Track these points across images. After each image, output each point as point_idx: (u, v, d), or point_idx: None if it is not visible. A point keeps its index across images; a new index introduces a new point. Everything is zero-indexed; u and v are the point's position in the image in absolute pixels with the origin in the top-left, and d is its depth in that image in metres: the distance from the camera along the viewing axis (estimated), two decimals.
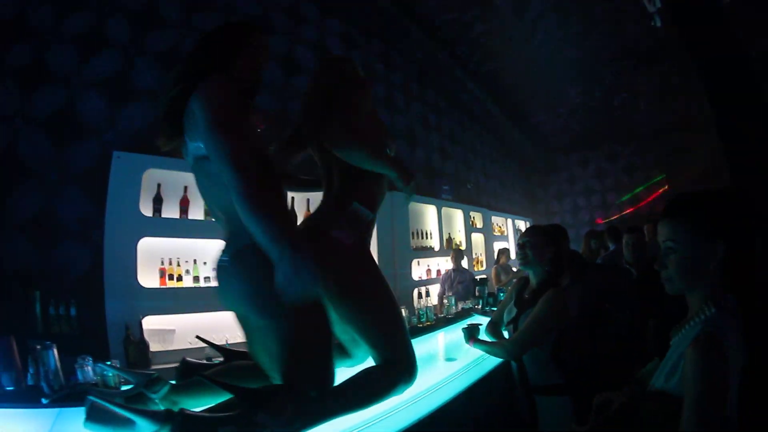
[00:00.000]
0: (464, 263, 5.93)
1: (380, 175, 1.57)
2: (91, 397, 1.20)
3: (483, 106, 7.91)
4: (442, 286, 5.61)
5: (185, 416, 1.17)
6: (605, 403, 1.14)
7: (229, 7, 4.25)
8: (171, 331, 3.07)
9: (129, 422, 1.17)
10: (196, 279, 3.26)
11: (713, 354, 0.93)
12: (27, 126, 2.84)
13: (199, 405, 1.35)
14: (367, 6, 5.25)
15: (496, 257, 7.06)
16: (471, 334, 2.43)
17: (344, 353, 1.68)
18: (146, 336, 2.82)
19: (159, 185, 3.24)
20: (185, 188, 3.29)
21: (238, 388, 1.25)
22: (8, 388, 1.48)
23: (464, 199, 7.62)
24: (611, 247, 4.68)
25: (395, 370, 1.42)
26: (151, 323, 2.97)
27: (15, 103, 2.82)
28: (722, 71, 2.60)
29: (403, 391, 1.45)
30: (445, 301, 4.18)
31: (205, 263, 3.28)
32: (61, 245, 2.87)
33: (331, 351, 1.35)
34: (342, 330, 1.63)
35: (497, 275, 6.54)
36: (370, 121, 1.64)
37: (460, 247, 6.46)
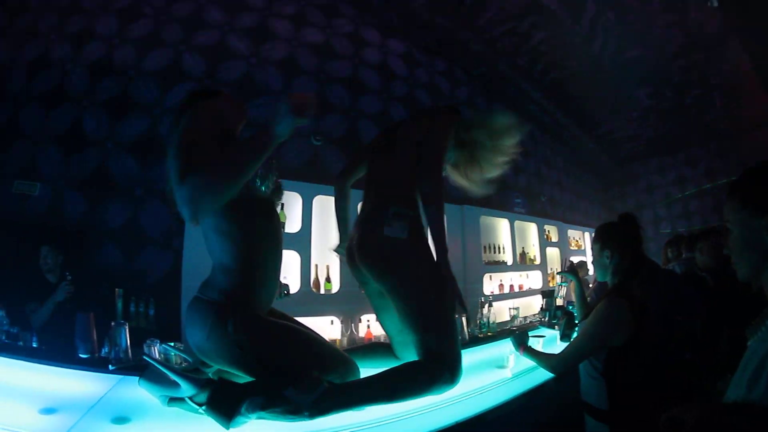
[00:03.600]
0: None
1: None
2: (146, 357, 1.35)
3: (552, 117, 7.66)
4: None
5: (222, 382, 1.26)
6: (675, 421, 0.97)
7: (294, 38, 4.58)
8: None
9: (176, 384, 1.29)
10: None
11: None
12: (116, 149, 3.32)
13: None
14: (426, 24, 5.39)
15: None
16: (520, 341, 2.25)
17: (392, 355, 1.71)
18: None
19: None
20: None
21: (271, 364, 1.33)
22: (83, 356, 1.71)
23: (538, 212, 7.37)
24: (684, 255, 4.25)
25: (438, 367, 1.39)
26: None
27: (105, 129, 3.32)
28: None
29: (444, 392, 1.41)
30: (512, 311, 4.05)
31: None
32: (144, 251, 3.26)
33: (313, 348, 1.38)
34: (397, 331, 1.66)
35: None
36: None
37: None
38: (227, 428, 1.15)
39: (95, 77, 3.42)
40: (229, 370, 1.34)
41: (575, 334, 2.23)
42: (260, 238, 1.39)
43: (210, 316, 1.28)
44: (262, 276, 1.40)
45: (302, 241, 3.45)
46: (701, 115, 7.60)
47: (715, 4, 2.86)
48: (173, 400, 1.28)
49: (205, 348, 1.30)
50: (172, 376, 1.28)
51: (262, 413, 1.19)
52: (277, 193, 1.67)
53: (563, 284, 2.24)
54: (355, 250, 1.58)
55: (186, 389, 1.27)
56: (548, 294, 4.56)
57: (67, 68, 3.39)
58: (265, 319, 1.37)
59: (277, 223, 1.49)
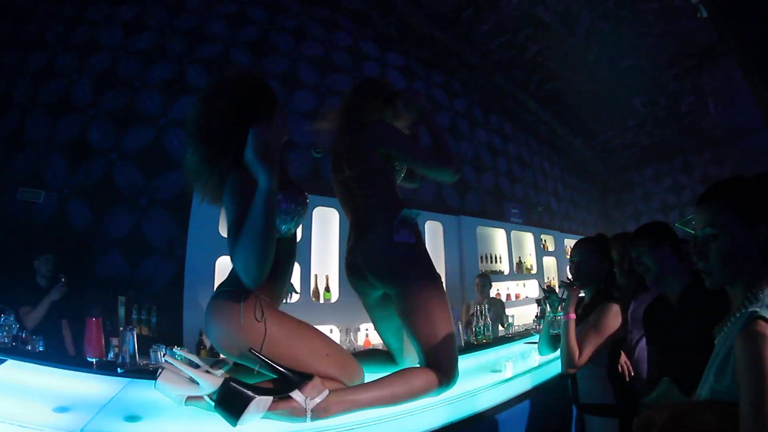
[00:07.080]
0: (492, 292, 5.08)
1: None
2: (168, 360, 1.39)
3: (549, 127, 7.75)
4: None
5: (232, 381, 1.30)
6: (647, 422, 1.01)
7: (294, 51, 4.66)
8: None
9: (194, 384, 1.32)
10: None
11: (765, 340, 0.84)
12: (121, 159, 3.39)
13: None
14: (423, 38, 5.50)
15: None
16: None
17: (392, 361, 1.77)
18: None
19: None
20: None
21: (280, 368, 1.37)
22: (90, 359, 1.76)
23: (535, 222, 7.43)
24: None
25: (436, 371, 1.45)
26: None
27: (110, 140, 3.39)
28: None
29: (441, 394, 1.48)
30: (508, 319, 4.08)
31: None
32: (148, 260, 3.30)
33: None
34: (395, 340, 1.72)
35: None
36: None
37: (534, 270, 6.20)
38: (234, 425, 1.20)
39: (100, 88, 3.50)
40: (245, 363, 1.38)
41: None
42: (278, 257, 1.42)
43: (239, 302, 1.31)
44: (278, 284, 1.48)
45: (302, 252, 3.49)
46: (696, 122, 7.71)
47: (705, 14, 2.93)
48: (191, 399, 1.32)
49: (227, 336, 1.33)
50: (193, 376, 1.32)
51: (268, 413, 1.24)
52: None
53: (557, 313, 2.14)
54: (361, 259, 1.62)
55: (205, 387, 1.31)
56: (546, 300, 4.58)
57: (72, 78, 3.48)
58: (286, 314, 1.44)
59: (294, 243, 1.56)
